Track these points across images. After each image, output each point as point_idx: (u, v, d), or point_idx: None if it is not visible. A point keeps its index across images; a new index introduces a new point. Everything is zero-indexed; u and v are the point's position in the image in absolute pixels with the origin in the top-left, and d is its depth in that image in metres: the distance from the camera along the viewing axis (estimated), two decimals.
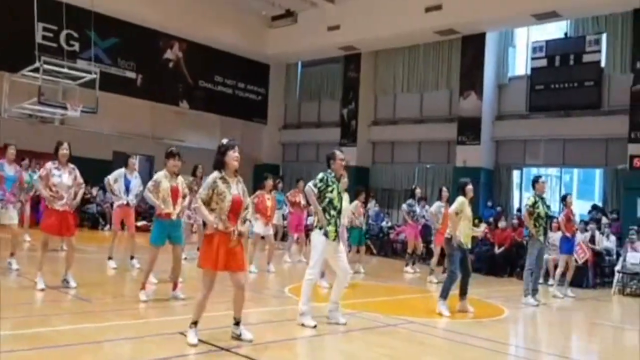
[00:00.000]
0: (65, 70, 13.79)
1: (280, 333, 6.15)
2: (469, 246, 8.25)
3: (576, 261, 11.67)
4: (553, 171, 18.05)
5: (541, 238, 9.46)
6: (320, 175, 6.68)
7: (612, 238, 13.22)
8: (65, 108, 14.20)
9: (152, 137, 20.35)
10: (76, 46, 17.93)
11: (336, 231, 6.56)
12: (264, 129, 24.00)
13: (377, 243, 17.03)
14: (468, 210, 8.16)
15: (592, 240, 12.81)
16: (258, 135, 23.82)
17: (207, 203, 5.28)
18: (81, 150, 15.18)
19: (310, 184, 6.67)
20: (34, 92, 13.78)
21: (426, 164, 19.80)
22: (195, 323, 5.27)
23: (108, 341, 5.27)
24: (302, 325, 6.33)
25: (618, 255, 12.54)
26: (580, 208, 16.37)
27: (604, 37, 16.07)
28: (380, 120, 21.35)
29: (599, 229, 13.36)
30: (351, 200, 10.54)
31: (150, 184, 7.43)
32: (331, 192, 6.58)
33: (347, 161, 6.98)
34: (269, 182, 11.10)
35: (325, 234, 6.48)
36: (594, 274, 12.32)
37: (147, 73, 20.07)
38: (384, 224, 17.74)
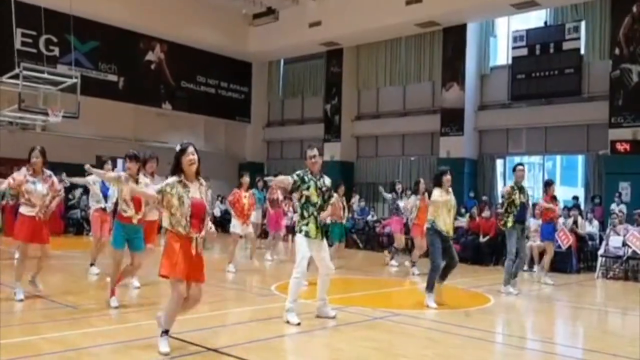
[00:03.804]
0: (45, 75, 13.73)
1: (268, 331, 6.19)
2: (451, 234, 8.06)
3: (560, 247, 11.83)
4: (536, 159, 18.20)
5: (509, 225, 9.13)
6: (299, 171, 6.70)
7: (595, 223, 13.39)
8: (46, 114, 14.12)
9: (135, 140, 20.27)
10: (56, 51, 17.81)
11: (317, 228, 6.57)
12: (248, 128, 23.99)
13: (363, 237, 17.12)
14: (440, 198, 7.91)
15: (575, 225, 12.98)
16: (242, 134, 23.82)
17: (165, 205, 5.03)
18: (64, 156, 15.19)
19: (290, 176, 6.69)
20: (14, 99, 13.68)
21: (410, 156, 19.89)
22: (166, 332, 5.04)
23: (94, 347, 5.27)
24: (287, 322, 6.38)
25: (601, 239, 12.70)
26: (564, 194, 16.54)
27: (582, 24, 16.21)
28: (363, 115, 21.40)
29: (580, 215, 13.51)
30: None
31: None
32: (307, 189, 6.58)
33: (316, 158, 6.70)
34: (245, 180, 10.94)
35: (306, 234, 6.51)
36: (577, 259, 12.48)
37: (128, 76, 19.99)
38: (369, 217, 17.83)
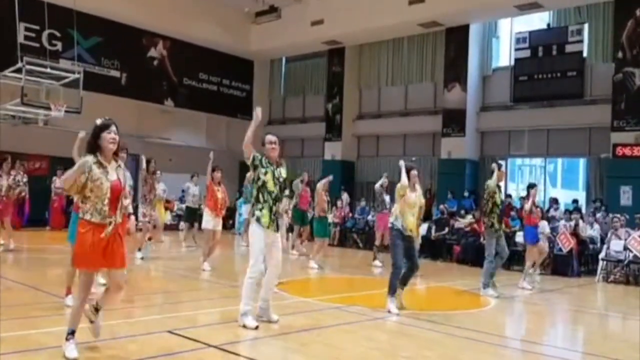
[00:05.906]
0: (48, 70, 13.69)
1: (269, 329, 6.17)
2: (414, 234, 7.51)
3: (561, 250, 11.81)
4: (537, 161, 18.18)
5: (496, 226, 9.05)
6: (257, 153, 6.43)
7: (596, 226, 13.37)
8: (48, 109, 14.09)
9: (137, 136, 20.25)
10: (59, 46, 17.81)
11: (271, 218, 6.18)
12: (249, 126, 23.91)
13: (363, 237, 17.12)
14: (412, 196, 7.39)
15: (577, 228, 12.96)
16: (243, 132, 23.25)
17: (79, 188, 4.54)
18: (66, 151, 15.10)
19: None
20: (16, 93, 13.67)
21: (411, 156, 19.81)
22: (72, 333, 4.66)
23: (95, 342, 5.25)
24: (243, 326, 5.97)
25: (602, 243, 12.68)
26: (565, 197, 16.55)
27: (585, 27, 16.23)
28: (365, 114, 21.40)
29: (581, 218, 13.49)
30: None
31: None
32: (265, 174, 6.29)
33: (276, 145, 6.62)
34: (217, 174, 10.45)
35: (258, 220, 6.14)
36: (578, 262, 12.46)
37: (131, 72, 19.98)
38: (369, 217, 17.79)
